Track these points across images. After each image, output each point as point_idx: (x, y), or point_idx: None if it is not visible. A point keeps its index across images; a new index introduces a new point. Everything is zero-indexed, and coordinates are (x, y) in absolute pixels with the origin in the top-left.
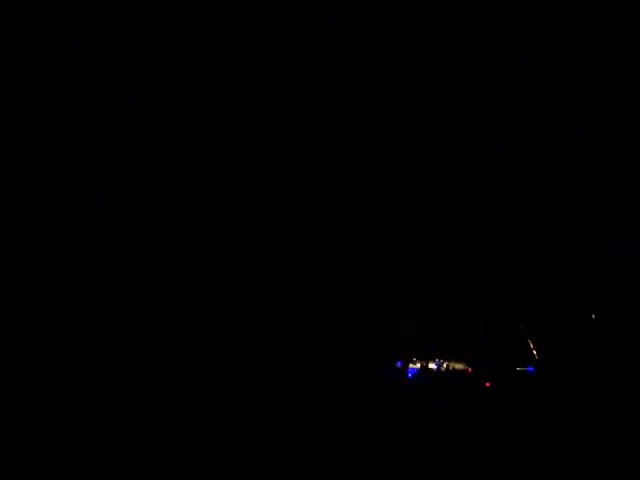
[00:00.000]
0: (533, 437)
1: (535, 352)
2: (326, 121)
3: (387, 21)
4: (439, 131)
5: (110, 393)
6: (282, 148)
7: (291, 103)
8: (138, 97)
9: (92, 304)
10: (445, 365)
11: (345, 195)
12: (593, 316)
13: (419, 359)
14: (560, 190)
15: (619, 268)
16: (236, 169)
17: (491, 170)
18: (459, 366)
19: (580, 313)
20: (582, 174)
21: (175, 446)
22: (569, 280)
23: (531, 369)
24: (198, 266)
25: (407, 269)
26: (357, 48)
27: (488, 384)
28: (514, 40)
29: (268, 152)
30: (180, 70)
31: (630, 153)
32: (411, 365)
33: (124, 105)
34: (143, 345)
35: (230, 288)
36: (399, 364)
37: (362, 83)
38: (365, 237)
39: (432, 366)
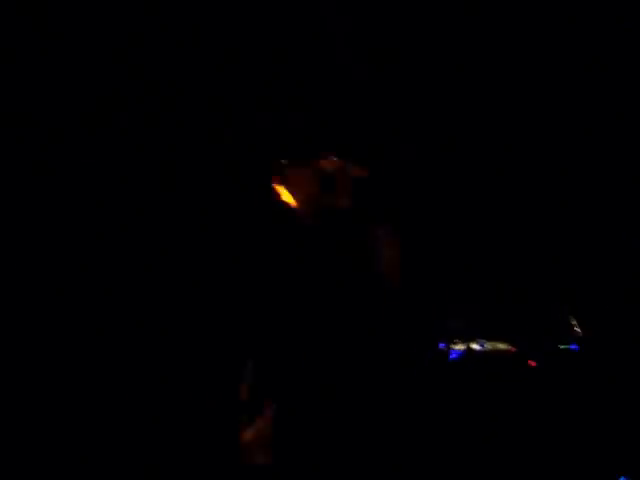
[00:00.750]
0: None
1: (579, 329)
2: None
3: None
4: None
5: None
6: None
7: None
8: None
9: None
10: (489, 345)
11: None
12: None
13: (462, 340)
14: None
15: None
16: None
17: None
18: (502, 346)
19: (625, 290)
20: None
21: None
22: (613, 257)
23: (575, 347)
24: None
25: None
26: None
27: (533, 363)
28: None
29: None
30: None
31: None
32: (454, 347)
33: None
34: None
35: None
36: (442, 346)
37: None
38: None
39: (475, 347)
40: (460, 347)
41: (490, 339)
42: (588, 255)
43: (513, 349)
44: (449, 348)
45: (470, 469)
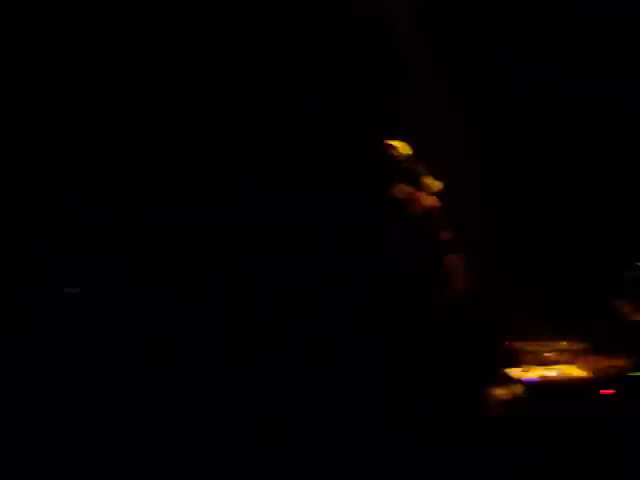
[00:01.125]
0: None
1: None
2: None
3: None
4: None
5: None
6: None
7: None
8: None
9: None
10: (564, 372)
11: None
12: None
13: (536, 366)
14: None
15: None
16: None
17: None
18: (576, 372)
19: None
20: None
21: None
22: None
23: None
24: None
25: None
26: None
27: (608, 391)
28: None
29: None
30: None
31: None
32: (528, 374)
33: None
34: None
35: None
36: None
37: None
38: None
39: (551, 374)
40: (535, 374)
41: (565, 363)
42: None
43: (588, 376)
44: (523, 375)
45: None
